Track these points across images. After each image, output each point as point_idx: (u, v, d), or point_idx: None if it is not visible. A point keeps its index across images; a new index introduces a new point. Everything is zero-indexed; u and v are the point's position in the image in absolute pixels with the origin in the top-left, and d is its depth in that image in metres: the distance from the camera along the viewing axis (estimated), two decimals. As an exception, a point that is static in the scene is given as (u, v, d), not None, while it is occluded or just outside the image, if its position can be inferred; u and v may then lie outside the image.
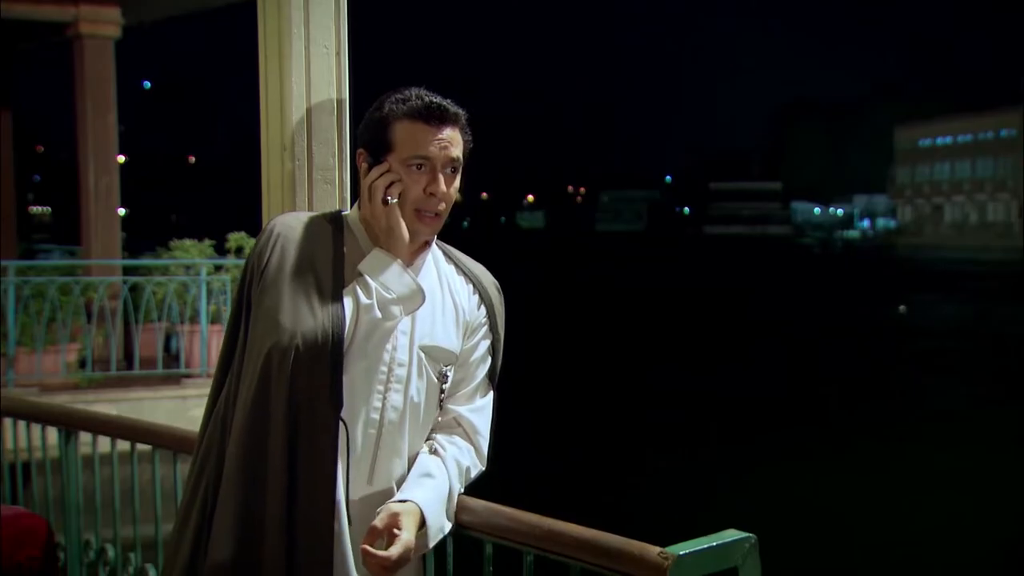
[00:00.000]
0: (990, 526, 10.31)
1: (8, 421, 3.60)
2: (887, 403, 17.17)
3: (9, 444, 3.60)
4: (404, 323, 2.08)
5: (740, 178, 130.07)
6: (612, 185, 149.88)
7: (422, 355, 2.10)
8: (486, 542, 2.11)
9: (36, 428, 3.48)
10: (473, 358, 2.20)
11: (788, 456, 12.83)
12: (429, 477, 2.07)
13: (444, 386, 2.14)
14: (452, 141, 2.09)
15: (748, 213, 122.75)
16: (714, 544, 1.83)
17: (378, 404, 2.06)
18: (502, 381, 2.30)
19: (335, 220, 2.15)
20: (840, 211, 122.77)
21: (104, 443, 3.19)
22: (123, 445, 3.13)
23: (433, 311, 2.13)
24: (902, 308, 32.01)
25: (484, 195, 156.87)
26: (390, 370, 2.07)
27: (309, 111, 2.50)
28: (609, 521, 2.06)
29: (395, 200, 2.06)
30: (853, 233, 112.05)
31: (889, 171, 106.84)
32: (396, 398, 2.07)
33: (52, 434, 3.38)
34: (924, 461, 12.87)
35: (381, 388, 2.06)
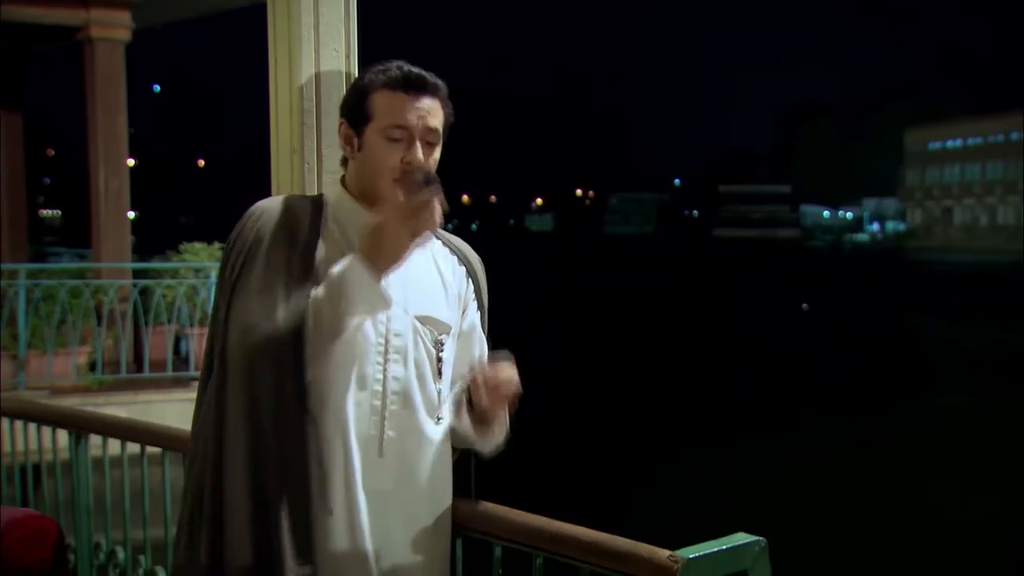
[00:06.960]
0: (989, 523, 10.28)
1: (19, 423, 3.61)
2: (885, 404, 17.18)
3: (20, 446, 3.61)
4: (397, 294, 2.02)
5: (749, 181, 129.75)
6: (621, 187, 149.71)
7: (417, 324, 2.07)
8: (495, 545, 2.11)
9: (46, 430, 3.49)
10: (473, 333, 2.22)
11: (788, 457, 12.82)
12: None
13: (441, 354, 2.11)
14: (431, 111, 2.05)
15: (757, 216, 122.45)
16: (724, 547, 1.83)
17: (379, 376, 2.02)
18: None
19: (316, 204, 2.10)
20: (849, 214, 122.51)
21: (114, 445, 3.19)
22: (133, 447, 3.14)
23: (426, 282, 2.11)
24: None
25: (492, 198, 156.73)
26: (387, 341, 2.03)
27: (319, 113, 2.50)
28: (616, 523, 2.06)
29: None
30: (862, 236, 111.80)
31: (899, 174, 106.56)
32: (397, 369, 2.03)
33: (62, 436, 3.39)
34: (925, 460, 12.87)
35: (380, 360, 2.02)
